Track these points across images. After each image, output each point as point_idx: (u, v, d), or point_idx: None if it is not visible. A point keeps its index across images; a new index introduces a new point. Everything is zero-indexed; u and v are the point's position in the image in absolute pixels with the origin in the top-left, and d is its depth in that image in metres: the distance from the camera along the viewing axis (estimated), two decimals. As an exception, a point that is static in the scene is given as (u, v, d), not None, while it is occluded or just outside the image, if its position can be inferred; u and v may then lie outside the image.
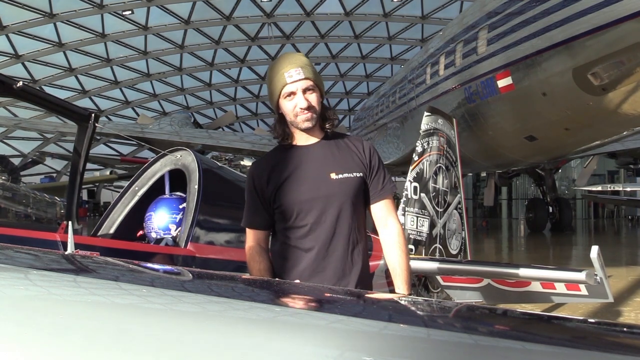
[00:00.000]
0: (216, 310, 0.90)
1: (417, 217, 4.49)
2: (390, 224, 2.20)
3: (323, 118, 2.16)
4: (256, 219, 2.18)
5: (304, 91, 2.07)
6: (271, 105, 2.19)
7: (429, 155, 4.66)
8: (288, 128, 2.15)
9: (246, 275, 2.18)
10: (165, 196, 3.34)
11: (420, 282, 4.28)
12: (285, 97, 2.08)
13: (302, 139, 2.15)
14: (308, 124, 2.09)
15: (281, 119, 2.15)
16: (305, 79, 2.08)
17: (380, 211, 2.20)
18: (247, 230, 2.21)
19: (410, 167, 4.57)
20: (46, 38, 27.59)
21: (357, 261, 2.14)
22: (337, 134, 2.23)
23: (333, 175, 2.09)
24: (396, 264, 2.17)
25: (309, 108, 2.07)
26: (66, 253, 2.09)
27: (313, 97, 2.09)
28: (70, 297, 0.93)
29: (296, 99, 2.07)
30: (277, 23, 30.43)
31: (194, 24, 29.38)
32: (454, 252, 4.90)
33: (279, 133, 2.15)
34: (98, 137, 23.64)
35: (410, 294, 2.21)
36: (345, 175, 2.10)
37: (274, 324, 0.84)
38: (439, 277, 4.13)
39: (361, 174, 2.14)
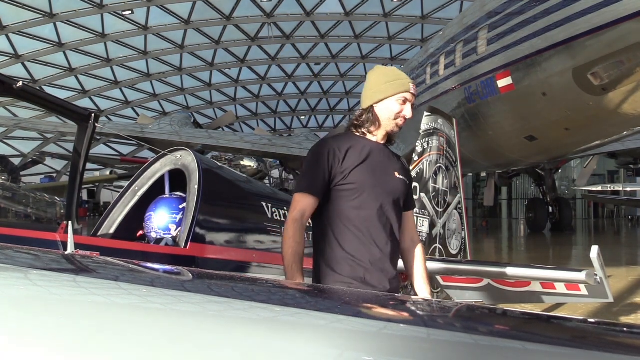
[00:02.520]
0: (216, 310, 0.90)
1: (417, 217, 4.49)
2: (416, 235, 2.50)
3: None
4: (318, 184, 2.19)
5: (412, 104, 2.33)
6: (372, 96, 2.31)
7: (429, 155, 4.67)
8: (376, 123, 2.31)
9: (246, 275, 2.18)
10: (165, 196, 3.33)
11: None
12: (398, 100, 2.28)
13: (375, 137, 2.33)
14: (397, 130, 2.33)
15: (374, 112, 2.30)
16: (415, 97, 2.35)
17: (410, 220, 2.47)
18: (298, 197, 2.21)
19: (411, 167, 4.57)
20: (46, 38, 27.59)
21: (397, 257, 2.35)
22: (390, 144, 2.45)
23: (397, 174, 2.33)
24: (425, 275, 2.43)
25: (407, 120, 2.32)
26: (66, 253, 2.09)
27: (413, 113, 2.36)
28: (70, 297, 0.93)
29: (406, 107, 2.29)
30: (277, 23, 30.42)
31: (194, 24, 29.37)
32: (454, 252, 4.90)
33: (369, 123, 2.30)
34: (98, 137, 23.64)
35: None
36: (403, 177, 2.35)
37: (274, 324, 0.84)
38: (438, 277, 4.13)
39: (408, 182, 2.41)
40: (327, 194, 2.21)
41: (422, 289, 2.40)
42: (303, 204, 2.18)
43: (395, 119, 2.29)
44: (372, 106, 2.30)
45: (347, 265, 2.16)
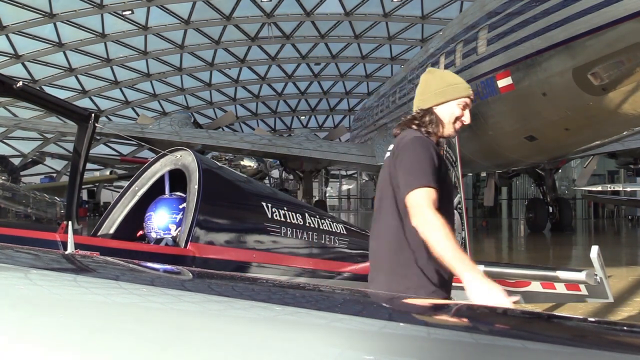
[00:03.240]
0: (216, 309, 0.90)
1: (417, 217, 4.49)
2: None
3: None
4: (435, 180, 2.06)
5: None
6: (434, 97, 2.26)
7: (429, 155, 4.66)
8: (439, 124, 2.25)
9: (246, 275, 2.17)
10: (165, 196, 3.33)
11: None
12: (459, 104, 2.27)
13: (435, 138, 2.27)
14: (454, 134, 2.32)
15: (432, 114, 2.25)
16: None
17: None
18: (426, 191, 2.01)
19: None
20: (46, 38, 27.59)
21: None
22: None
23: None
24: None
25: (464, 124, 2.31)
26: (66, 253, 2.09)
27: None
28: (71, 296, 0.93)
29: (466, 112, 2.29)
30: (277, 23, 30.42)
31: (194, 24, 29.38)
32: (454, 252, 4.89)
33: (432, 125, 2.24)
34: (98, 137, 23.64)
35: None
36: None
37: (274, 323, 0.84)
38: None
39: None
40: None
41: None
42: (432, 196, 2.01)
43: (454, 122, 2.27)
44: (432, 108, 2.26)
45: (436, 275, 2.12)
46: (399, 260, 2.12)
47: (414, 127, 2.25)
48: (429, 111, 2.25)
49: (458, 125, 2.28)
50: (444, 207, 2.11)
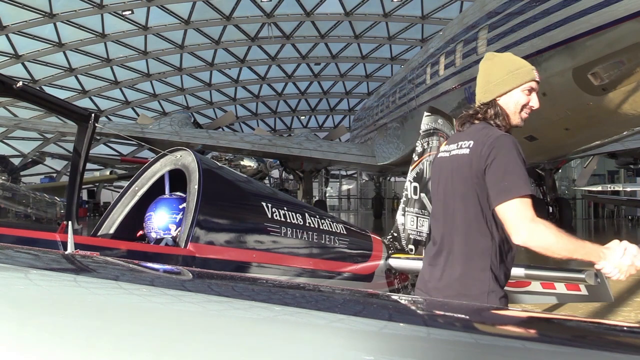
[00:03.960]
0: (216, 309, 0.90)
1: (417, 217, 4.50)
2: None
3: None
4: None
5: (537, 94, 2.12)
6: (495, 88, 2.09)
7: (429, 155, 4.66)
8: (506, 117, 2.09)
9: (246, 275, 2.17)
10: (165, 196, 3.33)
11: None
12: (524, 90, 2.07)
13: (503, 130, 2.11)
14: (522, 123, 2.11)
15: (499, 105, 2.09)
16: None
17: None
18: (528, 202, 1.89)
19: (410, 167, 4.57)
20: (46, 38, 27.58)
21: None
22: None
23: None
24: None
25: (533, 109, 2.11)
26: (66, 253, 2.09)
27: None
28: (70, 297, 0.93)
29: (533, 97, 2.09)
30: (277, 23, 30.42)
31: (194, 24, 29.37)
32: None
33: (499, 118, 2.08)
34: (98, 137, 23.64)
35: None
36: None
37: (274, 323, 0.84)
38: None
39: None
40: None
41: None
42: (531, 206, 1.90)
43: (521, 111, 2.09)
44: (495, 100, 2.09)
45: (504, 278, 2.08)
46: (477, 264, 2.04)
47: (477, 122, 2.10)
48: (491, 104, 2.08)
49: (526, 112, 2.10)
50: None
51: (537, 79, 2.09)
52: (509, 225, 1.89)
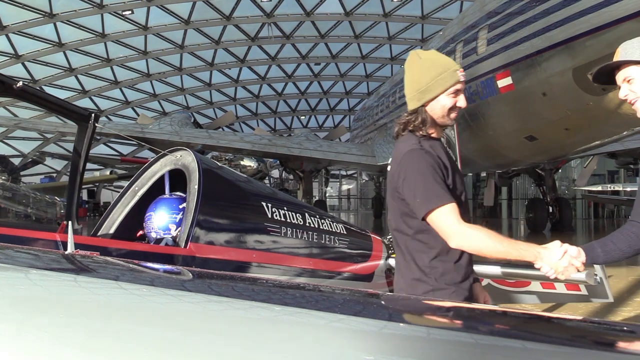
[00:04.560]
0: (216, 309, 0.90)
1: (417, 217, 4.48)
2: None
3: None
4: (448, 192, 2.01)
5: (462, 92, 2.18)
6: (421, 97, 2.12)
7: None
8: (433, 122, 2.15)
9: (246, 275, 2.17)
10: (165, 196, 3.33)
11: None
12: (451, 93, 2.11)
13: (434, 134, 2.18)
14: (453, 122, 2.19)
15: (426, 111, 2.13)
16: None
17: None
18: (448, 209, 1.95)
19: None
20: (46, 38, 27.60)
21: None
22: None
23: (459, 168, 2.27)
24: None
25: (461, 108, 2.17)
26: (66, 253, 2.09)
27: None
28: (70, 297, 0.93)
29: (459, 98, 2.13)
30: (277, 23, 30.43)
31: (194, 24, 29.38)
32: (454, 252, 4.89)
33: (425, 125, 2.13)
34: (98, 137, 23.64)
35: None
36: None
37: (274, 324, 0.84)
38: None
39: None
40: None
41: None
42: (455, 210, 1.96)
43: (449, 114, 2.13)
44: (422, 106, 2.13)
45: (455, 274, 2.09)
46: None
47: (409, 131, 2.15)
48: (419, 111, 2.13)
49: (454, 113, 2.14)
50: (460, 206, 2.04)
51: (462, 79, 2.12)
52: (441, 234, 1.98)
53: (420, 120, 2.12)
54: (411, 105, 2.16)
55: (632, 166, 20.69)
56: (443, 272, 2.07)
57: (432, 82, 2.09)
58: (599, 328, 1.05)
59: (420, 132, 2.12)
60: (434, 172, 2.01)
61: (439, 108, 2.11)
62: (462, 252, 2.10)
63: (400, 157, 2.10)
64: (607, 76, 2.06)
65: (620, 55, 1.99)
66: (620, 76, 2.01)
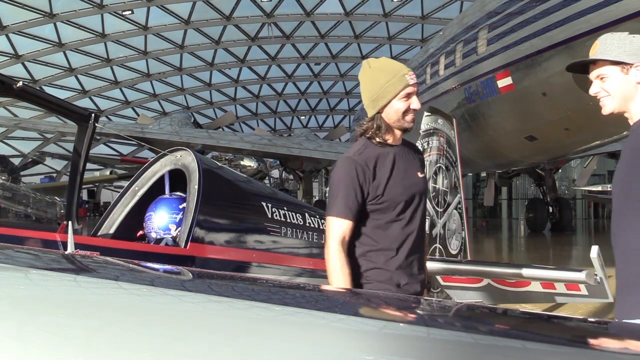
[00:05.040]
0: (216, 309, 0.90)
1: (417, 217, 4.48)
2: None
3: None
4: (353, 206, 2.12)
5: (416, 94, 2.22)
6: (375, 104, 2.18)
7: (429, 155, 4.66)
8: (387, 127, 2.22)
9: (246, 275, 2.18)
10: (165, 196, 3.33)
11: (420, 282, 4.28)
12: (402, 97, 2.16)
13: (392, 139, 2.25)
14: (412, 125, 2.23)
15: (381, 117, 2.20)
16: (418, 84, 2.23)
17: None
18: (335, 223, 2.12)
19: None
20: (46, 38, 27.59)
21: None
22: (405, 139, 2.38)
23: (419, 174, 2.29)
24: (424, 260, 2.39)
25: (417, 111, 2.22)
26: (66, 253, 2.09)
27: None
28: (70, 297, 0.93)
29: (412, 100, 2.18)
30: (277, 23, 30.42)
31: (194, 24, 29.37)
32: (454, 252, 4.90)
33: (380, 131, 2.20)
34: (98, 137, 23.63)
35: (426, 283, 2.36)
36: (423, 175, 2.33)
37: (274, 324, 0.84)
38: (439, 277, 4.13)
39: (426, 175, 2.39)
40: (361, 211, 2.15)
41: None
42: (342, 230, 2.11)
43: (404, 117, 2.18)
44: (378, 113, 2.19)
45: (379, 275, 2.16)
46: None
47: (367, 137, 2.22)
48: (375, 118, 2.20)
49: (409, 116, 2.19)
50: (393, 219, 2.15)
51: (411, 83, 2.16)
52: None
53: (375, 127, 2.19)
54: (368, 113, 2.23)
55: (632, 166, 20.63)
56: (367, 269, 2.18)
57: (383, 89, 2.16)
58: (599, 328, 1.05)
59: (377, 139, 2.20)
60: (349, 184, 2.12)
61: (393, 113, 2.17)
62: (395, 258, 2.17)
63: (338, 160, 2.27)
64: (582, 67, 2.08)
65: (598, 49, 1.98)
66: (594, 72, 2.02)
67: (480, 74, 11.63)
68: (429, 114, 4.82)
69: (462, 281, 4.10)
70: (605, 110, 2.07)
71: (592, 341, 0.91)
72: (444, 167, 4.84)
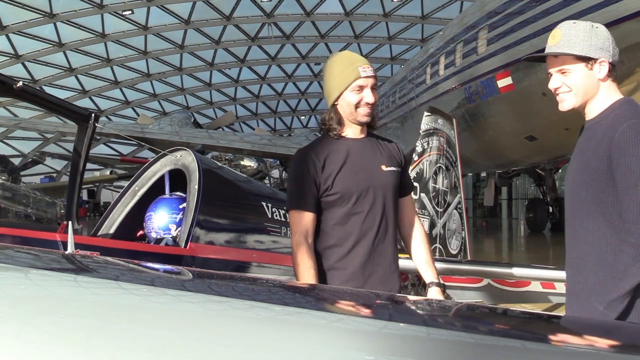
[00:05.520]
0: (216, 309, 0.90)
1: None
2: (416, 218, 2.41)
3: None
4: (310, 198, 2.12)
5: (371, 88, 2.16)
6: (329, 95, 2.20)
7: (429, 155, 4.67)
8: (341, 120, 2.20)
9: (246, 275, 2.18)
10: (165, 196, 3.33)
11: (420, 282, 4.28)
12: (354, 89, 2.13)
13: (351, 133, 2.23)
14: (367, 118, 2.19)
15: (336, 110, 2.20)
16: (374, 76, 2.19)
17: (408, 205, 2.39)
18: (296, 217, 2.14)
19: (410, 167, 4.57)
20: (46, 38, 27.57)
21: (396, 251, 2.29)
22: (374, 134, 2.36)
23: (384, 167, 2.22)
24: (426, 256, 2.34)
25: (373, 104, 2.18)
26: (66, 253, 2.09)
27: (376, 95, 2.20)
28: (70, 297, 0.93)
29: (364, 93, 2.14)
30: (277, 23, 30.41)
31: (194, 24, 29.36)
32: (454, 252, 4.91)
33: (334, 124, 2.19)
34: (98, 137, 23.63)
35: (440, 282, 2.31)
36: (392, 168, 2.24)
37: (274, 323, 0.84)
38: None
39: (400, 169, 2.30)
40: (319, 205, 2.15)
41: (427, 274, 2.30)
42: (303, 223, 2.11)
43: (357, 109, 2.15)
44: (334, 105, 2.19)
45: (338, 275, 2.14)
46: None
47: (325, 130, 2.23)
48: (331, 110, 2.20)
49: (364, 109, 2.15)
50: (349, 212, 2.12)
51: (363, 75, 2.13)
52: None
53: (328, 119, 2.20)
54: (328, 105, 2.24)
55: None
56: (327, 266, 2.18)
57: (335, 82, 2.16)
58: (599, 328, 1.05)
59: (334, 132, 2.20)
60: (303, 178, 2.14)
61: (345, 105, 2.16)
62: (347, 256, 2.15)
63: None
64: (540, 57, 1.98)
65: (560, 40, 1.84)
66: (555, 65, 1.89)
67: (480, 74, 11.63)
68: (429, 114, 4.82)
69: (462, 281, 4.11)
70: (564, 107, 1.95)
71: (592, 341, 0.91)
72: (444, 167, 4.84)
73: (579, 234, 1.88)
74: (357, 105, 2.14)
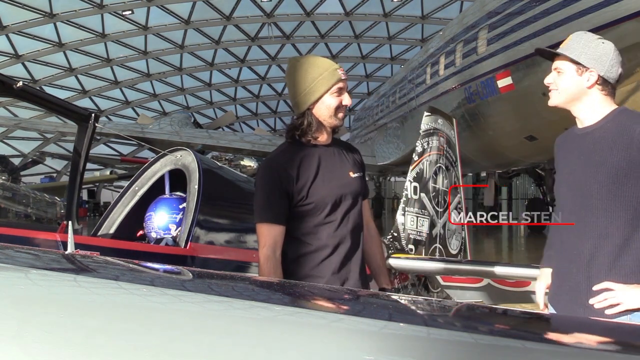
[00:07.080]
0: (216, 309, 0.90)
1: (417, 217, 4.50)
2: (371, 222, 2.41)
3: None
4: (281, 211, 2.06)
5: (348, 91, 2.18)
6: (305, 100, 2.13)
7: (429, 155, 4.67)
8: (318, 125, 2.15)
9: (246, 275, 2.17)
10: (165, 196, 3.34)
11: (420, 282, 4.29)
12: (333, 93, 2.11)
13: (322, 138, 2.19)
14: (342, 122, 2.17)
15: (312, 114, 2.14)
16: (347, 80, 2.20)
17: (366, 209, 2.35)
18: (264, 229, 2.07)
19: (410, 167, 4.57)
20: (46, 38, 27.58)
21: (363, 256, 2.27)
22: (336, 138, 2.32)
23: (351, 174, 2.20)
24: (380, 261, 2.40)
25: (348, 107, 2.18)
26: (66, 253, 2.09)
27: (350, 98, 2.22)
28: (70, 297, 0.93)
29: (344, 96, 2.14)
30: (277, 23, 30.42)
31: (194, 24, 29.37)
32: (454, 252, 4.91)
33: (310, 129, 2.13)
34: (98, 137, 23.63)
35: (393, 287, 2.32)
36: (358, 174, 2.23)
37: (274, 323, 0.84)
38: (439, 277, 4.14)
39: (362, 174, 2.28)
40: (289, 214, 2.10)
41: (379, 279, 2.35)
42: (272, 236, 2.06)
43: (336, 113, 2.13)
44: (308, 109, 2.12)
45: (313, 282, 2.10)
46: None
47: (296, 137, 2.15)
48: (305, 115, 2.13)
49: (341, 113, 2.14)
50: (322, 222, 2.08)
51: (343, 77, 2.13)
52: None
53: (306, 124, 2.13)
54: (297, 110, 2.17)
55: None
56: (301, 275, 2.13)
57: (314, 84, 2.09)
58: (599, 328, 1.05)
59: (307, 137, 2.14)
60: (272, 189, 2.07)
61: (324, 109, 2.11)
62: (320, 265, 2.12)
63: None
64: (549, 54, 2.13)
65: (567, 44, 2.05)
66: (555, 63, 2.08)
67: (480, 74, 11.63)
68: (429, 114, 4.82)
69: (462, 281, 4.11)
70: (550, 102, 2.13)
71: (592, 341, 0.91)
72: (444, 167, 4.84)
73: (588, 229, 1.93)
74: (336, 110, 2.12)
